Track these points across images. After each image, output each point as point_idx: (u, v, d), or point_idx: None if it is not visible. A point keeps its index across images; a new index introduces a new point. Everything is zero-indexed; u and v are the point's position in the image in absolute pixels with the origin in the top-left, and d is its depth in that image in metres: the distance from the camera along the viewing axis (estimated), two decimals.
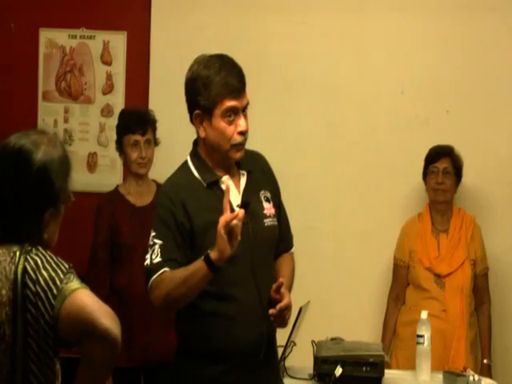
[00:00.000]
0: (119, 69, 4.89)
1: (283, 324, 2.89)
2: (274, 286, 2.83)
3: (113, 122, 4.57)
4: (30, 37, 4.89)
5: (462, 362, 4.13)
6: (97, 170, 4.89)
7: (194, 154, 2.97)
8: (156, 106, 4.59)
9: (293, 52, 4.75)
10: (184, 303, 2.81)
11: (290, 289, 2.94)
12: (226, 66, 2.87)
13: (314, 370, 3.46)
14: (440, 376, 3.62)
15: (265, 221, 2.94)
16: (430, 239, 4.40)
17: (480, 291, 4.44)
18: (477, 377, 3.53)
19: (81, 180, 4.72)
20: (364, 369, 3.40)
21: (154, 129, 4.29)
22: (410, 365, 3.94)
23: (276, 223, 2.99)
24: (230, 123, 2.85)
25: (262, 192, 2.98)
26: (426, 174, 4.46)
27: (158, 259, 2.79)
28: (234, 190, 2.89)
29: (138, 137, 4.21)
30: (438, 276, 4.32)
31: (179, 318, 2.95)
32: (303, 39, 4.77)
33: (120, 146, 4.28)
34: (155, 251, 2.80)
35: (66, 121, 4.91)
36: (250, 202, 2.78)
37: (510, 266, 4.66)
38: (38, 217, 2.16)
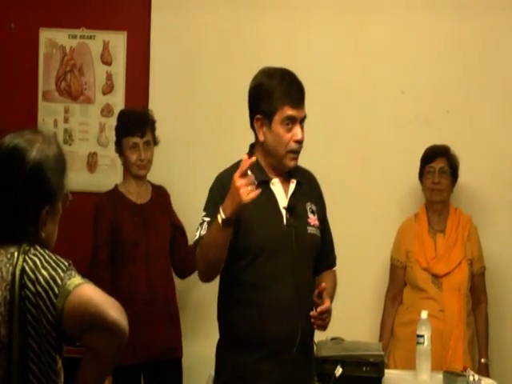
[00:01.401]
0: (119, 69, 4.88)
1: (323, 327, 3.06)
2: (317, 291, 3.00)
3: (113, 121, 4.57)
4: (30, 37, 4.88)
5: (460, 361, 4.12)
6: (97, 169, 4.89)
7: (250, 156, 3.08)
8: (156, 106, 4.59)
9: (293, 51, 4.75)
10: (214, 266, 2.95)
11: (331, 299, 3.10)
12: (288, 77, 3.09)
13: (314, 369, 3.45)
14: (440, 376, 3.62)
15: (308, 228, 3.11)
16: (427, 239, 4.40)
17: (477, 291, 4.44)
18: (477, 377, 3.53)
19: (81, 180, 4.73)
20: (364, 369, 3.40)
21: (153, 129, 4.30)
22: (408, 365, 3.95)
23: (318, 234, 3.16)
24: (288, 131, 3.04)
25: (308, 204, 3.15)
26: (422, 174, 4.46)
27: (204, 232, 2.96)
28: (282, 193, 3.09)
29: (136, 139, 4.23)
30: (435, 276, 4.32)
31: (219, 307, 3.12)
32: (303, 38, 4.77)
33: (119, 147, 4.30)
34: (203, 227, 2.98)
35: (65, 121, 4.91)
36: (296, 206, 3.06)
37: (506, 265, 4.65)
38: (34, 215, 2.16)
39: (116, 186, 4.35)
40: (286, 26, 4.77)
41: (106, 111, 4.88)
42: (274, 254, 3.01)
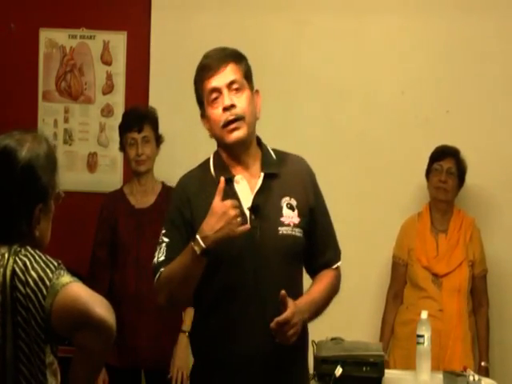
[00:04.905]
0: (119, 69, 4.89)
1: (285, 340, 2.62)
2: (280, 298, 2.61)
3: (113, 122, 4.57)
4: (30, 37, 4.89)
5: (459, 362, 4.11)
6: (97, 169, 4.89)
7: (217, 152, 2.86)
8: (156, 106, 4.57)
9: (293, 52, 4.75)
10: (186, 296, 2.73)
11: (317, 307, 2.77)
12: (206, 54, 2.83)
13: (314, 369, 3.45)
14: (440, 376, 3.62)
15: (279, 228, 2.72)
16: (429, 238, 4.40)
17: (478, 293, 4.43)
18: (477, 377, 3.53)
19: (81, 180, 4.72)
20: (364, 369, 3.39)
21: (155, 126, 4.27)
22: (408, 364, 3.95)
23: (296, 234, 2.75)
24: (217, 106, 2.73)
25: (286, 199, 2.77)
26: (429, 172, 4.45)
27: (163, 258, 2.72)
28: (247, 192, 2.74)
29: (134, 134, 4.20)
30: (435, 276, 4.33)
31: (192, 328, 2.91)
32: (304, 40, 4.77)
33: (122, 145, 4.30)
34: (162, 250, 2.73)
35: (66, 121, 4.91)
36: (259, 205, 2.70)
37: (510, 269, 4.64)
38: (27, 214, 2.17)
39: (122, 187, 4.33)
40: (286, 28, 4.77)
41: (106, 111, 4.88)
42: (236, 261, 2.65)
